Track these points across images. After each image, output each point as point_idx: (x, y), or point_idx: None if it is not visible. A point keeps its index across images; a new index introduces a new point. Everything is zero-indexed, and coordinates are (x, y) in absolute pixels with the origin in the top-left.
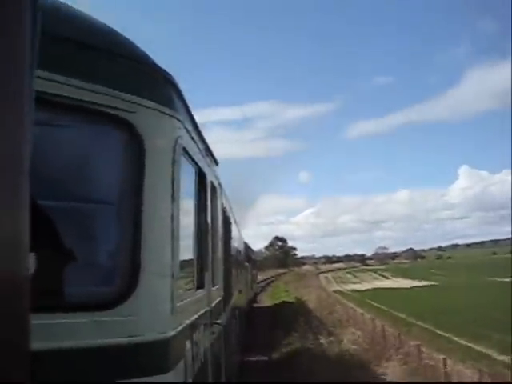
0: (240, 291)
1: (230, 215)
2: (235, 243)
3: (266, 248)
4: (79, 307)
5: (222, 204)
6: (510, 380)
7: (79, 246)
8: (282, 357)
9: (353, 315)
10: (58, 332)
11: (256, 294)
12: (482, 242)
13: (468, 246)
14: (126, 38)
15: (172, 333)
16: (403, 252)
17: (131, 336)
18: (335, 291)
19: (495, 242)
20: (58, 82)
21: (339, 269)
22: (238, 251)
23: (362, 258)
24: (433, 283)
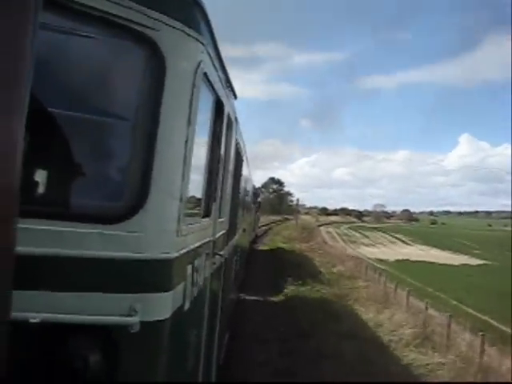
0: (244, 230)
1: (243, 153)
2: (244, 182)
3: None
4: (87, 218)
5: (236, 139)
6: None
7: (91, 158)
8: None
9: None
10: (64, 239)
11: (257, 236)
12: (476, 212)
13: (460, 214)
14: None
15: (175, 254)
16: (399, 213)
17: (135, 252)
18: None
19: (488, 213)
20: None
21: (337, 222)
22: (246, 190)
23: (358, 214)
24: (484, 262)
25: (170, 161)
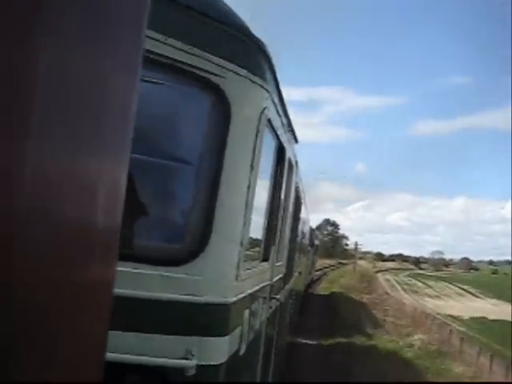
0: (300, 273)
1: (302, 196)
2: (302, 225)
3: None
4: (148, 260)
5: (296, 183)
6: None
7: (155, 201)
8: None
9: None
10: (125, 280)
11: (312, 281)
12: None
13: None
14: (224, 4)
15: (233, 298)
16: (457, 260)
17: (194, 295)
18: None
19: None
20: (157, 40)
21: (394, 269)
22: (304, 233)
23: (415, 261)
24: None
25: (232, 206)
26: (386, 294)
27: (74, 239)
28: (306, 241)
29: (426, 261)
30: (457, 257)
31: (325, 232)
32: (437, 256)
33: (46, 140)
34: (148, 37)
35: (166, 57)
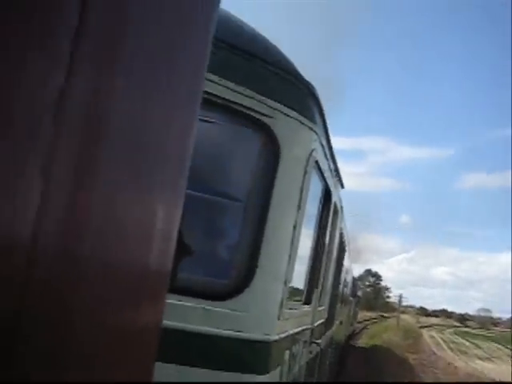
0: (341, 322)
1: (346, 242)
2: (345, 273)
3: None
4: (193, 293)
5: (341, 228)
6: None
7: (203, 236)
8: None
9: None
10: (170, 312)
11: (354, 333)
12: None
13: None
14: (275, 46)
15: (275, 337)
16: (505, 319)
17: (237, 331)
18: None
19: None
20: (212, 81)
21: (439, 325)
22: (346, 282)
23: (461, 317)
24: None
25: (277, 244)
26: (433, 353)
27: (126, 282)
28: (349, 290)
29: (471, 318)
30: (505, 316)
31: (366, 283)
32: (483, 313)
33: (110, 185)
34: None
35: (221, 97)
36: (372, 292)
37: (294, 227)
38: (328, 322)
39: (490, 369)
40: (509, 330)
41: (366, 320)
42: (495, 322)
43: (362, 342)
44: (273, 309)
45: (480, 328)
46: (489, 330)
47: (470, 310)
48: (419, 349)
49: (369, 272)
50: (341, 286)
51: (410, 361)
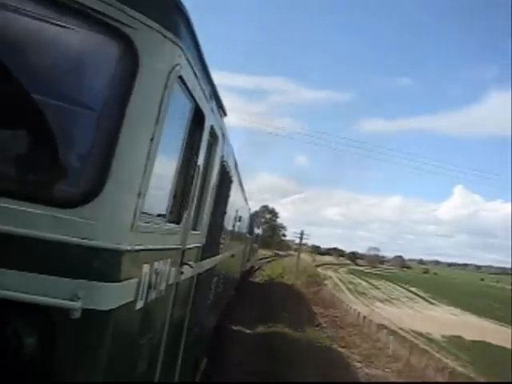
0: (232, 256)
1: (233, 175)
2: (235, 207)
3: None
4: (42, 200)
5: (223, 156)
6: None
7: (54, 143)
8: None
9: None
10: (16, 218)
11: (253, 269)
12: (465, 265)
13: (449, 265)
14: None
15: (127, 247)
16: (391, 258)
17: (87, 239)
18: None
19: (478, 267)
20: None
21: (333, 264)
22: (238, 216)
23: (352, 256)
24: None
25: (131, 155)
26: (348, 308)
27: None
28: (245, 226)
29: (361, 256)
30: (389, 254)
31: (262, 220)
32: (373, 252)
33: None
34: None
35: (77, 2)
36: (268, 229)
37: (152, 140)
38: (208, 249)
39: (392, 313)
40: (393, 267)
41: (260, 259)
42: (382, 261)
43: (262, 278)
44: (124, 219)
45: (369, 266)
46: (377, 268)
47: (359, 248)
48: (318, 290)
49: (266, 208)
50: (229, 218)
51: (312, 304)
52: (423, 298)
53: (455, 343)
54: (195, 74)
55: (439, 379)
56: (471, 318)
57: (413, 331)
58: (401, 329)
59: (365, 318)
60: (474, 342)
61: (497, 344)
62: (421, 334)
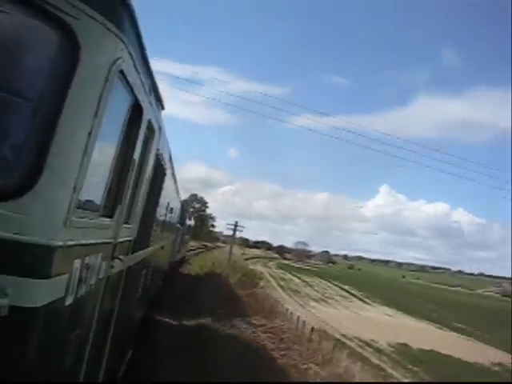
0: (162, 247)
1: (167, 168)
2: (168, 199)
3: None
4: None
5: (158, 150)
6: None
7: None
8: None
9: None
10: None
11: (183, 259)
12: (387, 261)
13: (372, 261)
14: None
15: (59, 243)
16: (317, 253)
17: (15, 233)
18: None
19: (399, 264)
20: None
21: (261, 257)
22: (170, 208)
23: (280, 250)
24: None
25: (68, 149)
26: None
27: None
28: (175, 217)
29: (288, 250)
30: (315, 249)
31: (191, 209)
32: (300, 247)
33: None
34: None
35: None
36: (197, 219)
37: (89, 134)
38: (139, 242)
39: (329, 315)
40: (320, 262)
41: (188, 251)
42: (309, 255)
43: (192, 269)
44: (58, 214)
45: (297, 260)
46: (305, 262)
47: (287, 242)
48: (250, 286)
49: (195, 197)
50: (160, 210)
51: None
52: (357, 297)
53: (404, 353)
54: (136, 69)
55: None
56: (407, 319)
57: (356, 338)
58: (344, 336)
59: (312, 329)
60: (422, 351)
61: (445, 353)
62: (368, 344)
